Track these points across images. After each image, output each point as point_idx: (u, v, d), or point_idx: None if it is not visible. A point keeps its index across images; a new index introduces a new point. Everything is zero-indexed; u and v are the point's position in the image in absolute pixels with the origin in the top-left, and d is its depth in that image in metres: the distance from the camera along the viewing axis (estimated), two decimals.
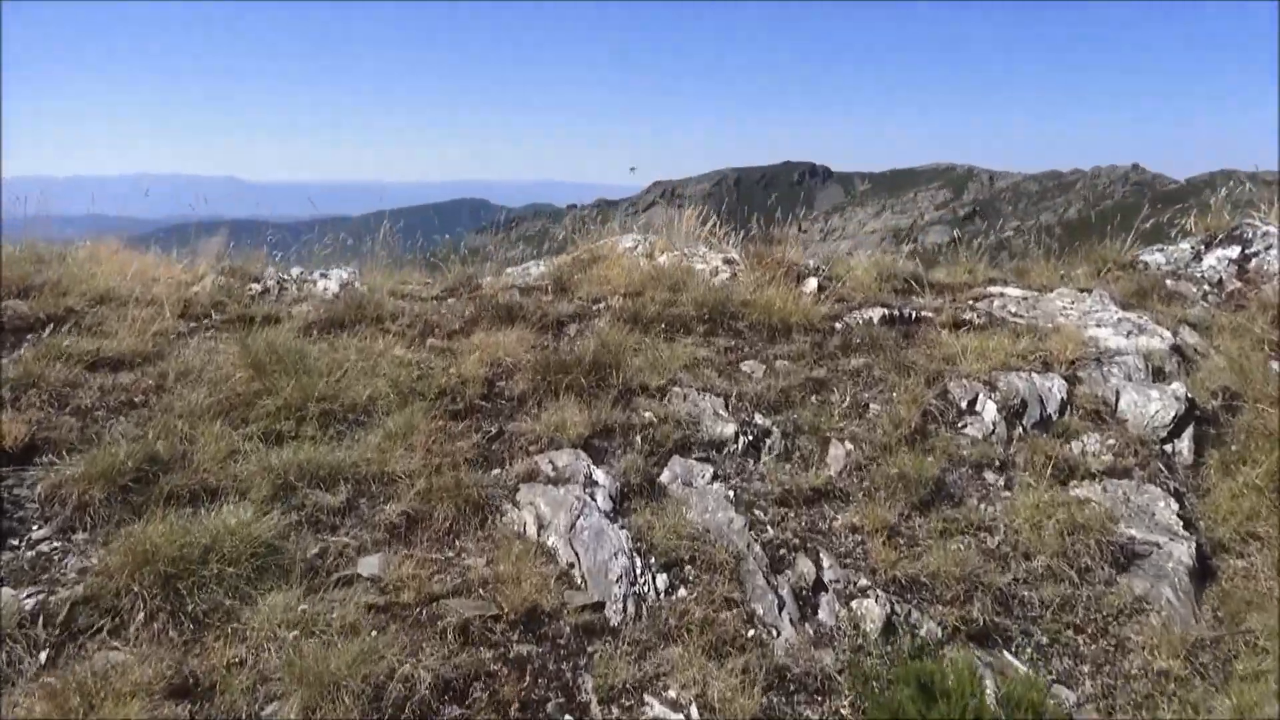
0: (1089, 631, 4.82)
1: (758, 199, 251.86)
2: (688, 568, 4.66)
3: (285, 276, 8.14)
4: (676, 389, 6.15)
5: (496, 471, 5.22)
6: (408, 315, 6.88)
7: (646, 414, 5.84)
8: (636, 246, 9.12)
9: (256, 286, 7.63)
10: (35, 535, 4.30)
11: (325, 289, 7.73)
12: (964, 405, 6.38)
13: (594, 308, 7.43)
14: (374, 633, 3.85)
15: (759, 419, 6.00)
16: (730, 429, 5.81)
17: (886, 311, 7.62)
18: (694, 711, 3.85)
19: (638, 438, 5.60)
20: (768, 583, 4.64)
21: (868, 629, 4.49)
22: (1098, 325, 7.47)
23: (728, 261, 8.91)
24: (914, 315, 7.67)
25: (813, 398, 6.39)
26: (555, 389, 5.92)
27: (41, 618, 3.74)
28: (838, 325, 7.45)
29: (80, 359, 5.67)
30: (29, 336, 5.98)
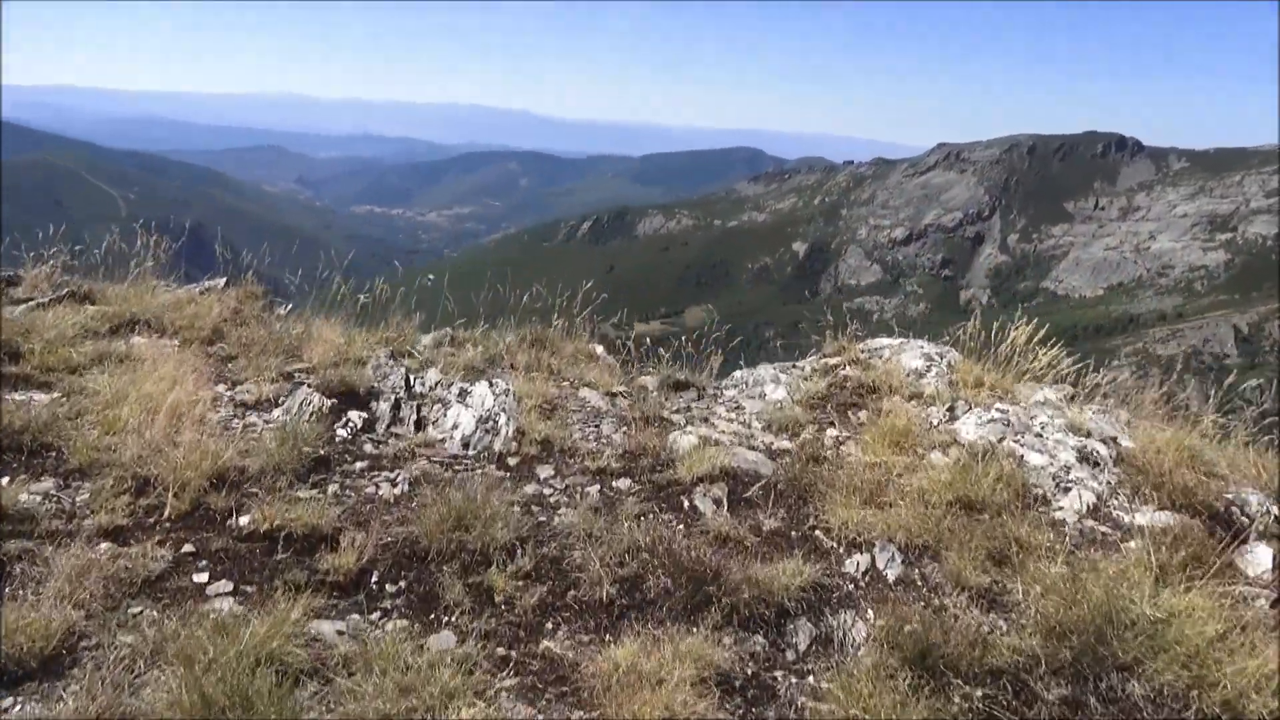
0: None
1: (1052, 171, 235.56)
2: None
3: (413, 387, 6.32)
4: None
5: None
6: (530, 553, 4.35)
7: None
8: (927, 373, 6.77)
9: (355, 420, 5.78)
10: None
11: (454, 428, 5.76)
12: None
13: (846, 586, 4.42)
14: None
15: None
16: None
17: None
18: None
19: None
20: None
21: None
22: None
23: (1092, 463, 5.54)
24: None
25: None
26: None
27: None
28: None
29: None
30: None
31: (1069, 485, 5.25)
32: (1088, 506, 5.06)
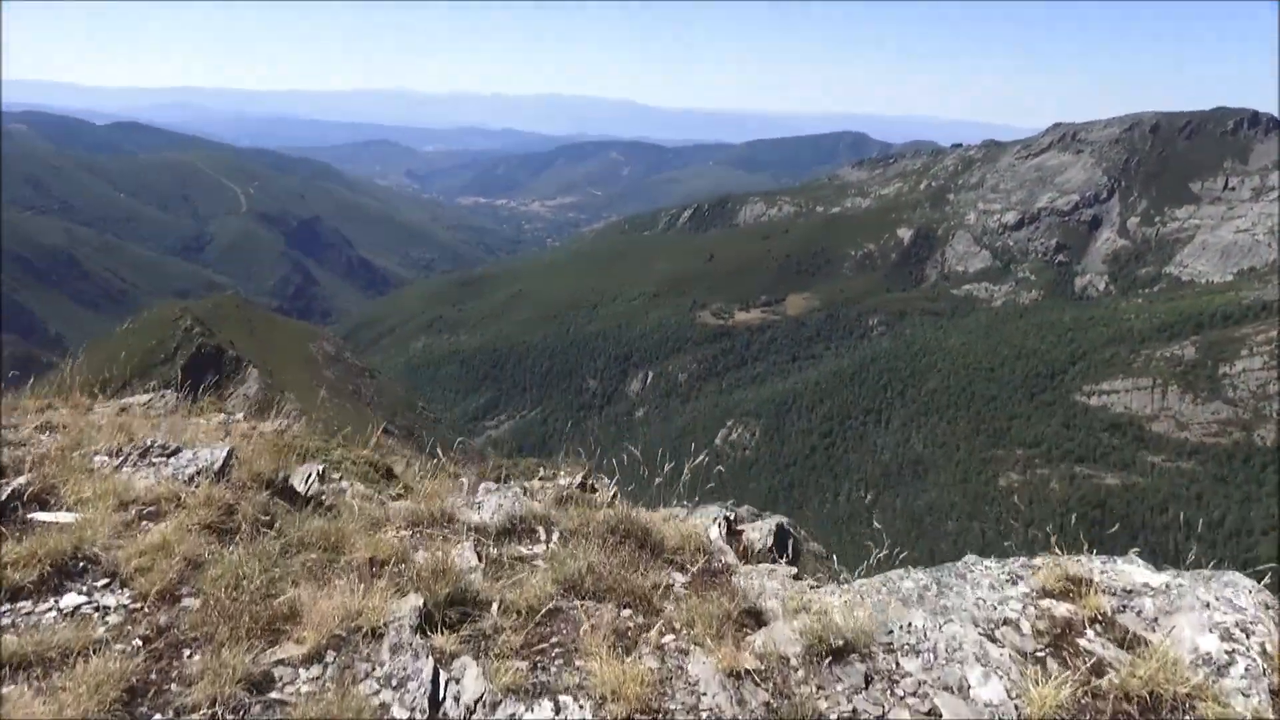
0: None
1: (1177, 149, 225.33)
2: None
3: (443, 703, 4.10)
4: None
5: None
6: None
7: None
8: (1229, 666, 4.22)
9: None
10: None
11: None
12: None
13: None
14: None
15: None
16: None
17: None
18: None
19: None
20: None
21: None
22: None
23: None
24: None
25: None
26: None
27: None
28: None
29: None
30: None
31: None
32: None
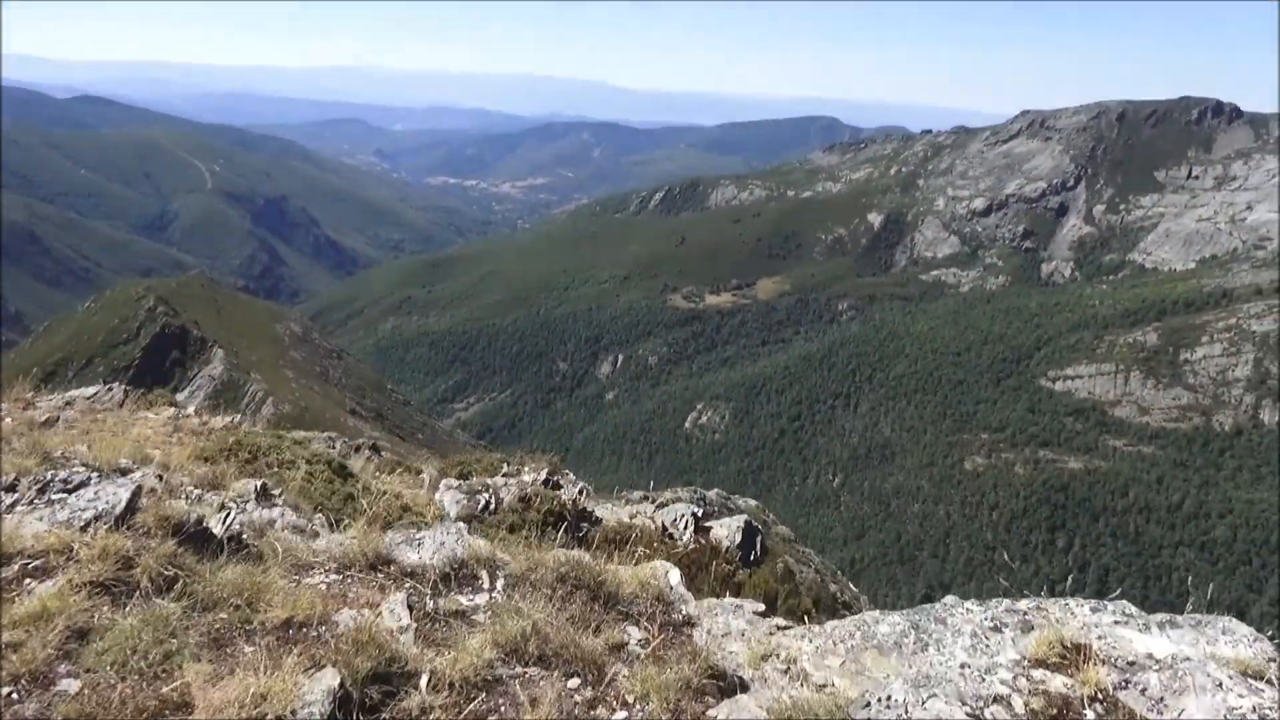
0: None
1: (1143, 138, 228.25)
2: None
3: None
4: None
5: None
6: None
7: None
8: None
9: None
10: None
11: None
12: None
13: None
14: None
15: None
16: None
17: None
18: None
19: None
20: None
21: None
22: None
23: None
24: None
25: None
26: None
27: None
28: None
29: None
30: None
31: None
32: None
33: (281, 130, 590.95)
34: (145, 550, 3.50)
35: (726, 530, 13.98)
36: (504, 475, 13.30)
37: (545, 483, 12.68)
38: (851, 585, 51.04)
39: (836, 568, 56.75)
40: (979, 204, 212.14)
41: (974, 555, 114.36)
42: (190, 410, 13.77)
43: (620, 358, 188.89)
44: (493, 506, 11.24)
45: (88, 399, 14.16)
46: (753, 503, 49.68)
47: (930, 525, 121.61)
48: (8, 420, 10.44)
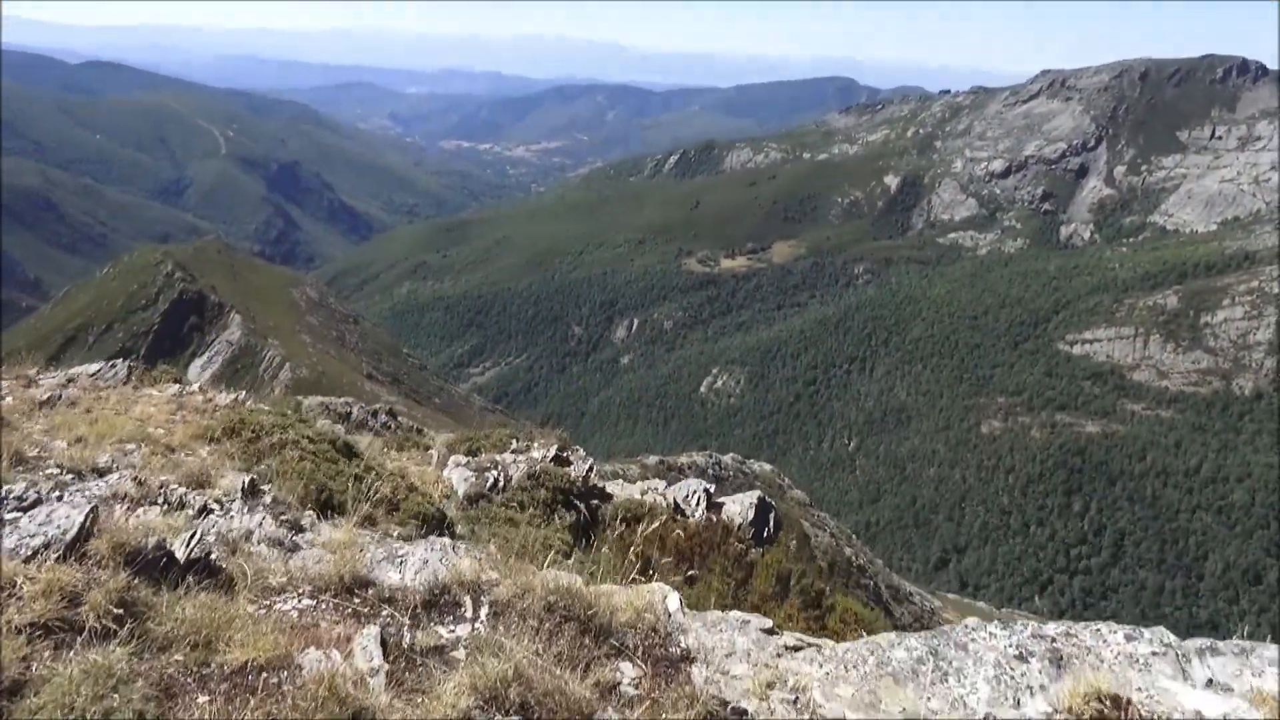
0: None
1: (1166, 98, 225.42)
2: None
3: None
4: None
5: None
6: None
7: None
8: None
9: None
10: None
11: None
12: None
13: None
14: None
15: None
16: None
17: None
18: None
19: None
20: None
21: None
22: None
23: None
24: None
25: None
26: None
27: None
28: None
29: None
30: None
31: None
32: None
33: (294, 94, 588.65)
34: (95, 584, 3.20)
35: (739, 507, 13.73)
36: (513, 451, 13.14)
37: (555, 459, 12.51)
38: (866, 549, 50.90)
39: (852, 531, 56.66)
40: (997, 166, 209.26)
41: (990, 519, 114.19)
42: (195, 387, 13.61)
43: (635, 322, 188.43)
44: (501, 484, 11.14)
45: (91, 375, 14.01)
46: (768, 467, 49.44)
47: (946, 489, 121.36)
48: (8, 399, 10.26)
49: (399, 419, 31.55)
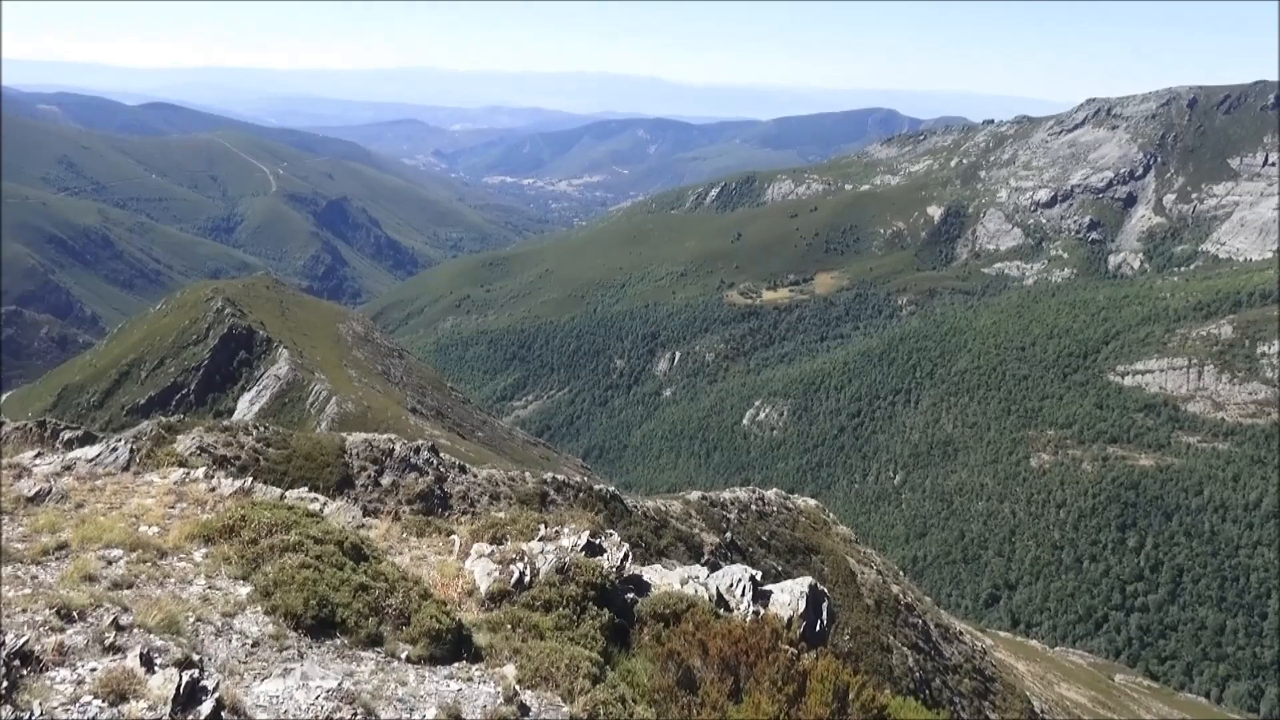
0: None
1: (1216, 124, 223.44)
2: None
3: None
4: None
5: None
6: None
7: None
8: None
9: None
10: None
11: None
12: None
13: None
14: None
15: None
16: None
17: None
18: None
19: None
20: None
21: None
22: None
23: None
24: None
25: None
26: None
27: None
28: None
29: None
30: None
31: None
32: None
33: (342, 132, 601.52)
34: None
35: (789, 597, 12.61)
36: (541, 539, 12.09)
37: (586, 547, 11.53)
38: (914, 586, 49.94)
39: (899, 567, 55.74)
40: (1043, 195, 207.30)
41: (1041, 554, 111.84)
42: (199, 472, 12.82)
43: (677, 354, 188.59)
44: (527, 579, 10.15)
45: (89, 461, 13.49)
46: (812, 502, 48.86)
47: (995, 523, 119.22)
48: None
49: (441, 455, 31.67)
